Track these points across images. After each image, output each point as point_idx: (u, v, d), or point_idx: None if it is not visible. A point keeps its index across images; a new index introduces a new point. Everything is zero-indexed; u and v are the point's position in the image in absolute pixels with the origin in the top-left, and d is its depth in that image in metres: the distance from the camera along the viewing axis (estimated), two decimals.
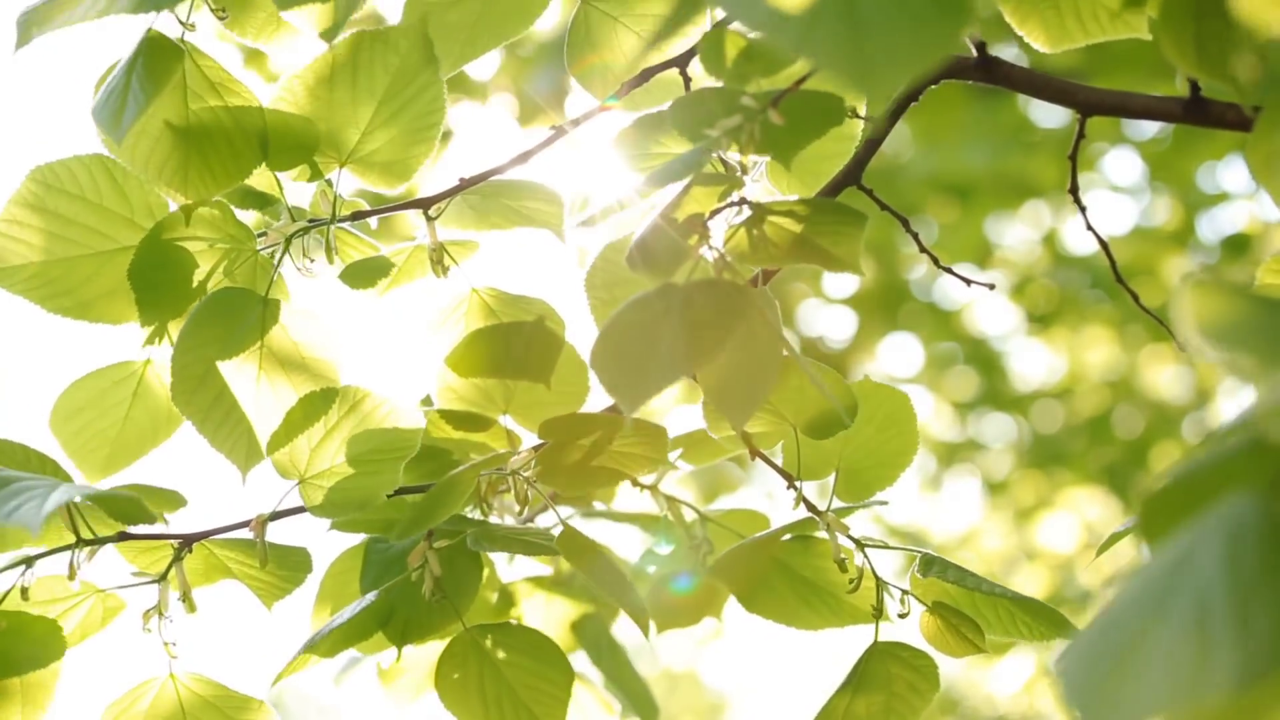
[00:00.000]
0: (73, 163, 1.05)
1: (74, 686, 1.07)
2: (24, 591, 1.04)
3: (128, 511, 1.00)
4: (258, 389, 1.05)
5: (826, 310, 4.98)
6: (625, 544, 1.40)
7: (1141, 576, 0.56)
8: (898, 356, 5.06)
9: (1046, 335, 4.89)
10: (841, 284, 4.89)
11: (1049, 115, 4.38)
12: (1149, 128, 4.26)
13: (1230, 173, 4.46)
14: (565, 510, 1.17)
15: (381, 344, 1.14)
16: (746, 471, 5.12)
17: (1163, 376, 4.90)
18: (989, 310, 4.92)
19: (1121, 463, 4.75)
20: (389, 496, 1.07)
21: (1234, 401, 4.78)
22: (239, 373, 1.04)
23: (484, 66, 4.03)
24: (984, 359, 4.93)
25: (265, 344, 1.05)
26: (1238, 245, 4.37)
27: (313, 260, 1.08)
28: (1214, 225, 4.48)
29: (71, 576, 1.05)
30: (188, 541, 1.07)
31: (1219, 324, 0.57)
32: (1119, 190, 4.57)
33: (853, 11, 0.63)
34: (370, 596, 1.05)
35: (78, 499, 0.91)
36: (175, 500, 1.10)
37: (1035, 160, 4.25)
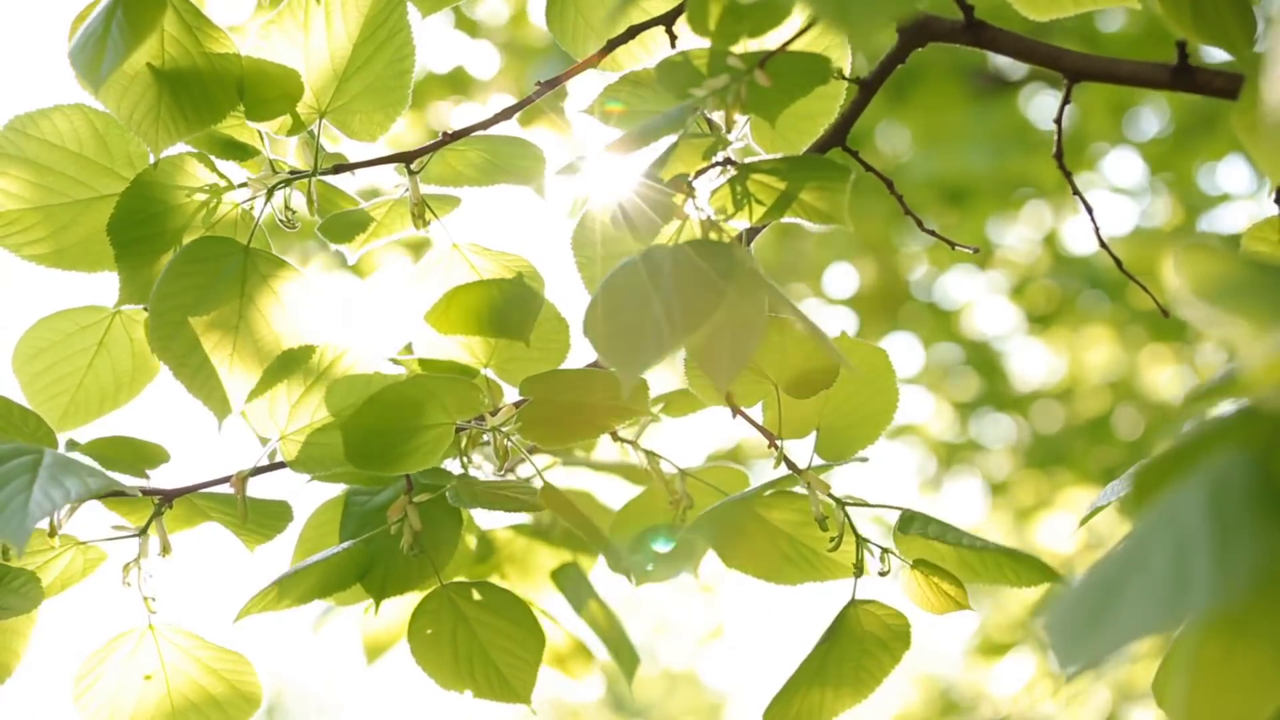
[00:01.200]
0: (53, 112, 1.05)
1: (54, 637, 1.07)
2: (4, 550, 1.03)
3: (116, 492, 1.00)
4: (235, 337, 1.05)
5: (826, 310, 4.99)
6: (607, 492, 1.41)
7: (1125, 539, 0.57)
8: (898, 357, 5.05)
9: (1047, 336, 4.88)
10: (841, 284, 4.89)
11: (1049, 116, 4.38)
12: (1149, 127, 4.26)
13: (1230, 173, 4.46)
14: (543, 460, 1.17)
15: (362, 299, 1.14)
16: (746, 470, 5.11)
17: (1163, 377, 4.89)
18: (989, 311, 4.92)
19: (1121, 463, 4.75)
20: None
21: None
22: (217, 326, 1.04)
23: (484, 67, 4.03)
24: (984, 359, 4.92)
25: (244, 294, 1.05)
26: (1238, 245, 4.36)
27: (293, 214, 1.08)
28: (1214, 226, 4.48)
29: (52, 534, 1.05)
30: (168, 497, 1.07)
31: (1212, 287, 0.57)
32: (1119, 191, 4.57)
33: None
34: (346, 544, 1.05)
35: (59, 499, 0.89)
36: (159, 455, 1.10)
37: (1035, 161, 4.25)
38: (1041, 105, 4.42)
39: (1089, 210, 1.21)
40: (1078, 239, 4.65)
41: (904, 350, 5.01)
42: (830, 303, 4.97)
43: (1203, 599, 0.49)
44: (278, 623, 1.14)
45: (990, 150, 4.19)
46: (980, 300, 4.87)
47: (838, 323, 4.97)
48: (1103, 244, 1.20)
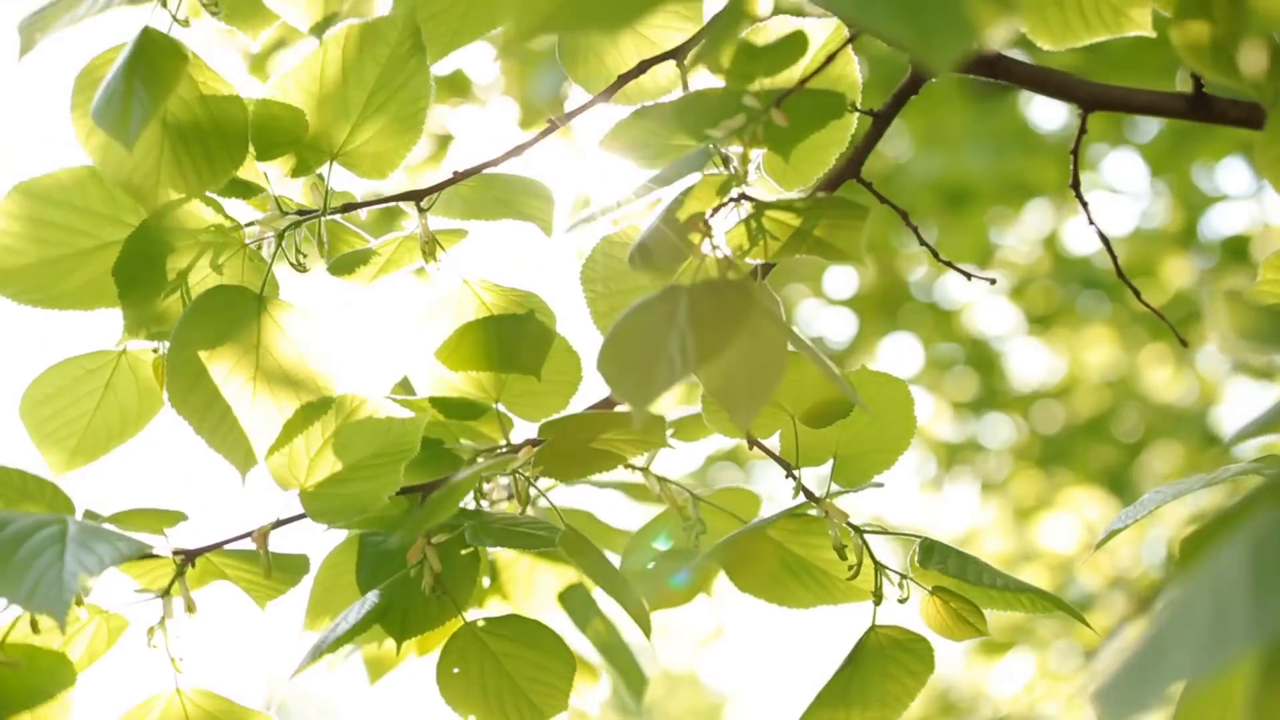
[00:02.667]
0: (60, 174, 1.05)
1: (82, 707, 1.05)
2: (34, 623, 1.02)
3: (146, 550, 0.99)
4: (254, 389, 1.04)
5: (826, 311, 4.98)
6: (610, 509, 1.41)
7: (1168, 600, 0.57)
8: (898, 357, 5.06)
9: (1046, 336, 4.88)
10: (841, 285, 4.89)
11: (1049, 117, 4.37)
12: (1150, 128, 4.25)
13: (1230, 173, 4.46)
14: (545, 481, 1.17)
15: (374, 338, 1.14)
16: (745, 471, 5.11)
17: (1162, 377, 4.89)
18: (989, 311, 4.91)
19: (1121, 463, 4.75)
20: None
21: (1237, 403, 4.78)
22: (234, 372, 1.03)
23: (484, 69, 4.02)
24: (984, 359, 4.92)
25: (261, 345, 1.04)
26: (1238, 246, 4.37)
27: (305, 256, 1.08)
28: (1214, 226, 4.48)
29: (78, 604, 1.04)
30: (191, 556, 1.06)
31: (1254, 329, 0.59)
32: (1119, 191, 4.57)
33: None
34: (372, 597, 1.05)
35: (93, 566, 0.88)
36: (176, 517, 1.09)
37: (1035, 162, 4.25)
38: (1042, 107, 4.42)
39: (1105, 240, 1.20)
40: (1078, 239, 4.66)
41: (904, 350, 5.01)
42: (830, 303, 4.97)
43: (1242, 641, 0.50)
44: (278, 623, 1.13)
45: (990, 151, 4.19)
46: (980, 300, 4.87)
47: (838, 323, 4.97)
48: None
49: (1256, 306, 0.61)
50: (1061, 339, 4.89)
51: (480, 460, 1.11)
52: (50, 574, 0.86)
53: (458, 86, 4.02)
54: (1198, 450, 4.70)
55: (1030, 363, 5.08)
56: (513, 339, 1.12)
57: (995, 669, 5.17)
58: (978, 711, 5.30)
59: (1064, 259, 4.65)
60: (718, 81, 1.09)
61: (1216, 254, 4.45)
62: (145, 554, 0.98)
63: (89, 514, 1.03)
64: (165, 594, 1.04)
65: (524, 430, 1.16)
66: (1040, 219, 4.65)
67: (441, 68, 4.06)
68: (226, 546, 1.05)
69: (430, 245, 1.11)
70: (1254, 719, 0.52)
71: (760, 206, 1.02)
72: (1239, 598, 0.51)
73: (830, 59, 1.01)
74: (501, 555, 1.38)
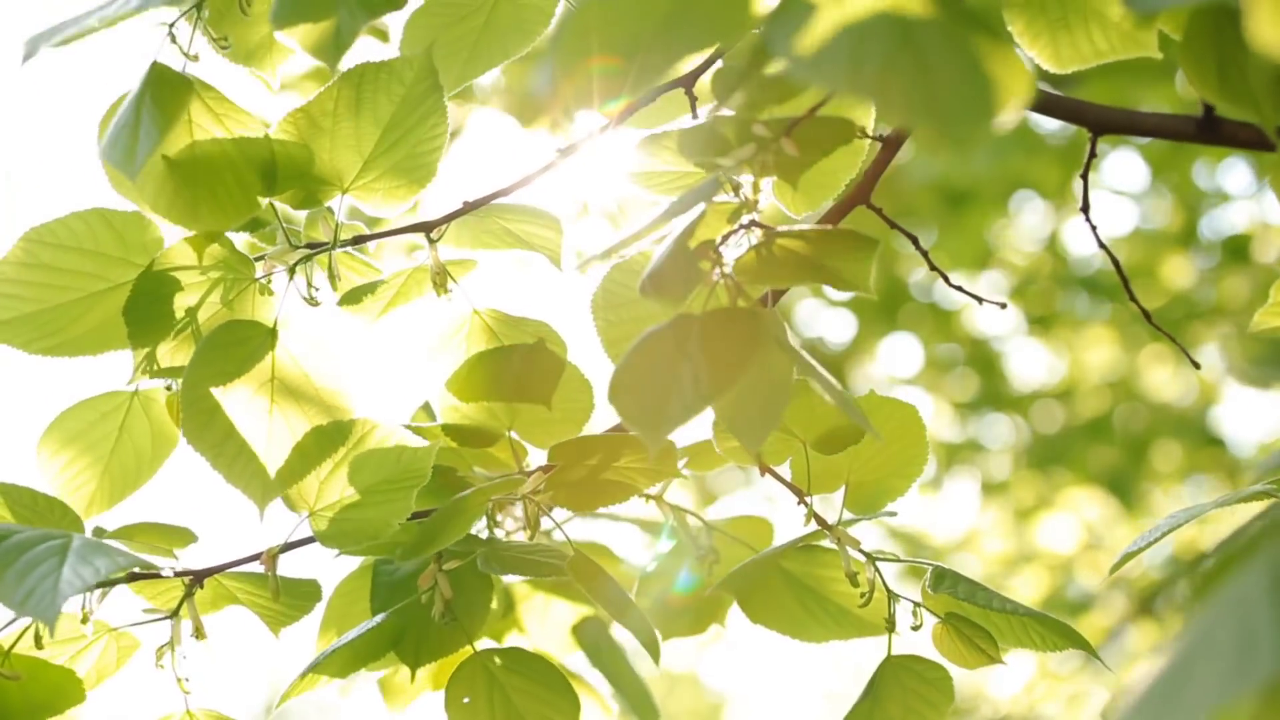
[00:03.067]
0: (70, 219, 1.05)
1: None
2: (38, 637, 1.02)
3: (146, 569, 0.99)
4: (270, 422, 1.04)
5: (826, 312, 4.98)
6: (625, 542, 1.41)
7: (1187, 630, 0.57)
8: (897, 358, 5.05)
9: (1046, 336, 4.88)
10: None
11: (1049, 118, 4.36)
12: None
13: (1231, 173, 4.46)
14: (562, 513, 1.17)
15: (385, 369, 1.13)
16: (745, 473, 5.11)
17: (1163, 377, 4.89)
18: (989, 312, 4.92)
19: (1121, 463, 4.75)
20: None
21: (1236, 402, 4.78)
22: (250, 406, 1.03)
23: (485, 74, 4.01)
24: (984, 360, 4.92)
25: (275, 375, 1.04)
26: (1238, 246, 4.37)
27: (317, 289, 1.07)
28: (1214, 226, 4.48)
29: (85, 621, 1.04)
30: (199, 578, 1.06)
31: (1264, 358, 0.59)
32: (1120, 192, 4.57)
33: (919, 60, 0.63)
34: (379, 617, 1.05)
35: (90, 577, 0.88)
36: (186, 536, 1.09)
37: (1036, 163, 4.24)
38: None
39: (1115, 261, 1.20)
40: (1078, 240, 4.66)
41: (904, 351, 5.01)
42: (830, 304, 4.96)
43: (1268, 665, 0.50)
44: (287, 646, 1.13)
45: (991, 151, 4.18)
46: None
47: (837, 324, 4.97)
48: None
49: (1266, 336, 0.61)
50: (1061, 339, 4.89)
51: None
52: (46, 582, 0.87)
53: (460, 91, 4.02)
54: (1198, 450, 4.70)
55: (1030, 363, 5.08)
56: (524, 369, 1.11)
57: (995, 669, 5.18)
58: (978, 711, 5.30)
59: (1064, 260, 4.65)
60: (728, 110, 1.09)
61: (1217, 254, 4.45)
62: (144, 567, 0.98)
63: (97, 530, 1.03)
64: (174, 615, 1.04)
65: (538, 459, 1.16)
66: (1040, 220, 4.65)
67: None
68: (236, 569, 1.05)
69: (441, 276, 1.11)
70: None
71: (771, 235, 1.02)
72: (1262, 621, 0.52)
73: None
74: (518, 589, 1.38)
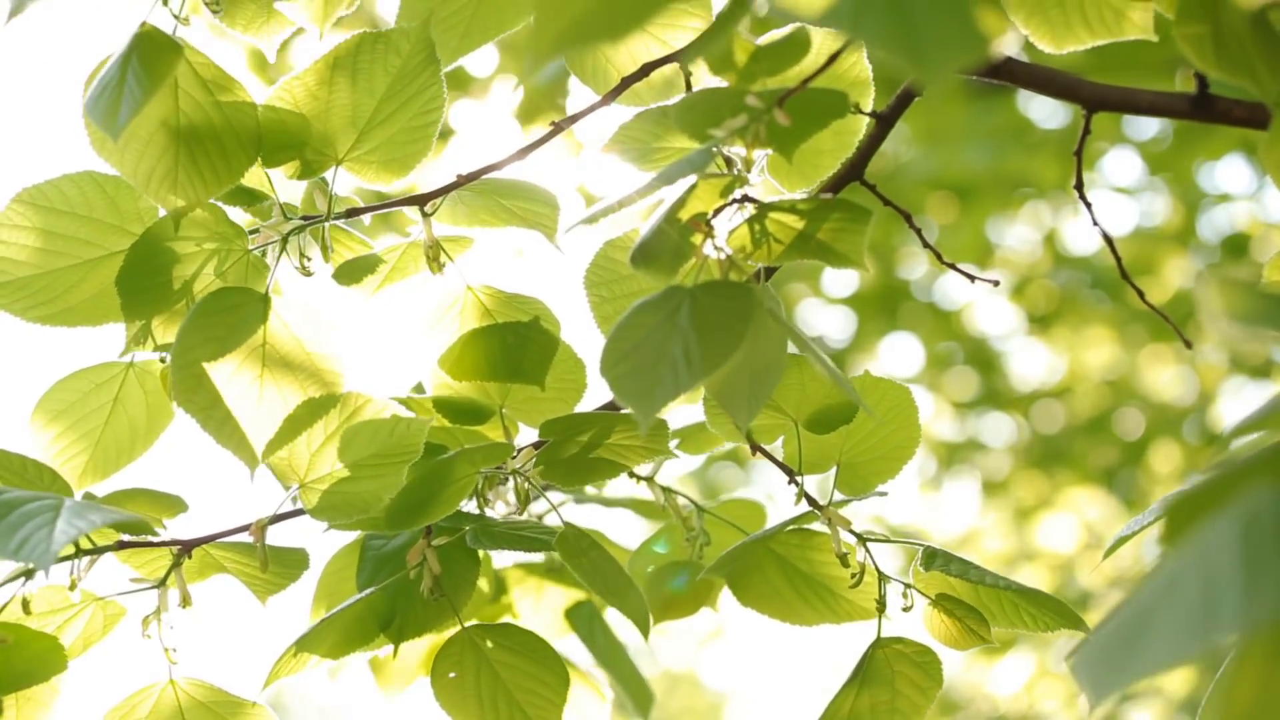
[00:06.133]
0: (61, 181, 1.04)
1: (74, 693, 1.05)
2: (25, 604, 1.02)
3: (134, 529, 0.99)
4: (260, 388, 1.03)
5: (826, 310, 4.98)
6: (619, 527, 1.40)
7: (1152, 575, 0.57)
8: (898, 356, 5.05)
9: (1047, 335, 4.88)
10: (841, 284, 4.89)
11: (1049, 116, 4.37)
12: (1149, 128, 4.25)
13: (1230, 172, 4.46)
14: (557, 496, 1.16)
15: (378, 344, 1.13)
16: (745, 471, 5.11)
17: (1163, 376, 4.89)
18: (989, 310, 4.91)
19: (1121, 463, 4.75)
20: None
21: (1236, 402, 4.77)
22: (240, 374, 1.03)
23: (484, 64, 4.01)
24: (984, 359, 4.92)
25: (267, 343, 1.03)
26: (1238, 245, 4.37)
27: (309, 259, 1.07)
28: (1214, 225, 4.48)
29: (72, 588, 1.04)
30: (187, 547, 1.06)
31: (1244, 310, 0.60)
32: (1119, 190, 4.57)
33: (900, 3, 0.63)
34: (367, 591, 1.04)
35: (84, 527, 0.89)
36: (177, 505, 1.09)
37: (1035, 160, 4.24)
38: (1041, 105, 4.41)
39: (1108, 240, 1.20)
40: (1078, 238, 4.65)
41: (904, 350, 5.01)
42: (830, 302, 4.96)
43: (1232, 625, 0.50)
44: (277, 623, 1.13)
45: (990, 149, 4.18)
46: (980, 300, 4.87)
47: (837, 322, 4.97)
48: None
49: (1248, 289, 0.61)
50: (1061, 339, 4.88)
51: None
52: (41, 531, 0.87)
53: (458, 81, 4.02)
54: (1198, 450, 4.70)
55: (1030, 362, 5.08)
56: (516, 347, 1.11)
57: (994, 668, 5.17)
58: (977, 710, 5.30)
59: (1064, 258, 4.65)
60: (721, 82, 1.09)
61: (1216, 253, 4.45)
62: (135, 532, 0.98)
63: (87, 495, 1.03)
64: (161, 584, 1.04)
65: (530, 439, 1.15)
66: (1040, 217, 4.65)
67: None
68: (226, 540, 1.05)
69: (435, 250, 1.10)
70: (1226, 702, 0.52)
71: (763, 208, 1.01)
72: (1229, 580, 0.51)
73: (833, 58, 1.00)
74: (511, 573, 1.38)
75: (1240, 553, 0.52)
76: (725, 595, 1.29)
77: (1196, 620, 0.51)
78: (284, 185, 1.09)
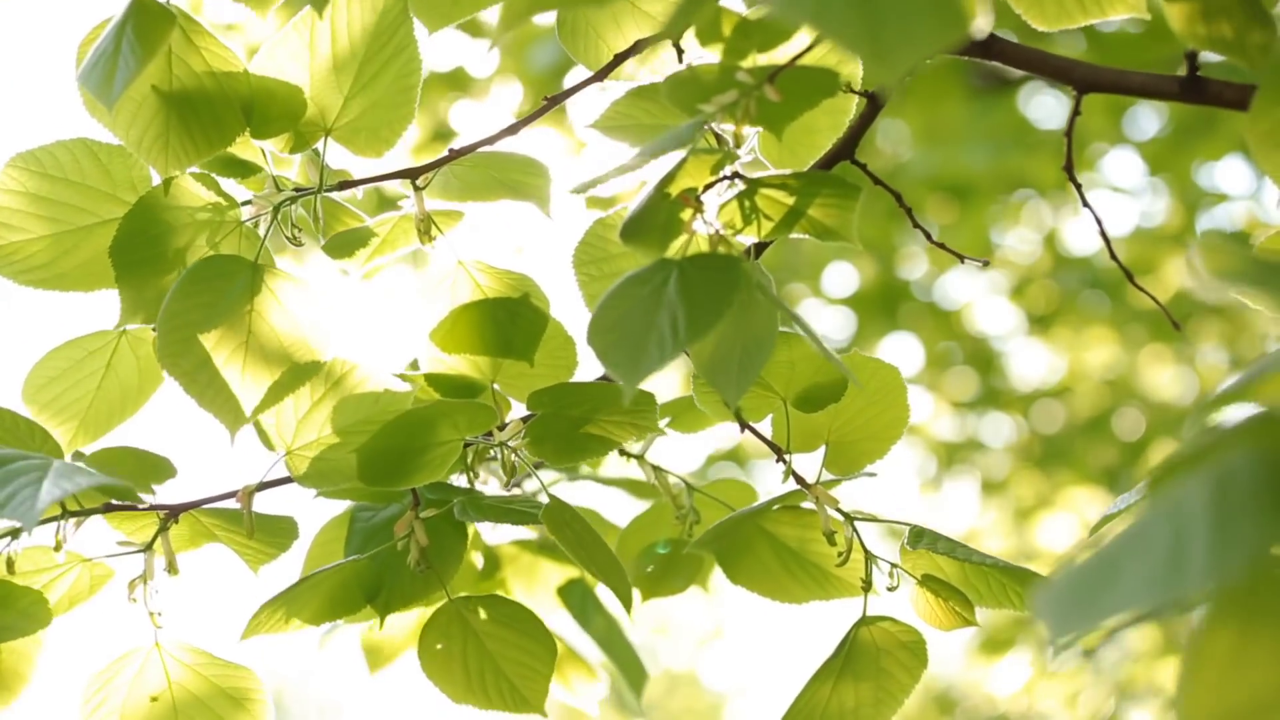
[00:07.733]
0: (54, 147, 1.05)
1: (60, 655, 1.06)
2: (9, 563, 1.03)
3: (121, 494, 1.00)
4: (246, 359, 1.04)
5: (826, 310, 4.98)
6: (614, 509, 1.41)
7: (1125, 528, 0.57)
8: (898, 356, 5.05)
9: (1046, 335, 4.88)
10: (841, 284, 4.89)
11: (1049, 115, 4.37)
12: (1149, 127, 4.26)
13: (1230, 172, 4.46)
14: (549, 475, 1.16)
15: (371, 316, 1.14)
16: (745, 471, 5.11)
17: (1163, 376, 4.89)
18: (989, 310, 4.92)
19: (1121, 463, 4.75)
20: None
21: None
22: (227, 341, 1.04)
23: (484, 63, 4.02)
24: (984, 359, 4.92)
25: (254, 310, 1.04)
26: (1245, 244, 4.37)
27: (300, 231, 1.08)
28: (1214, 225, 4.48)
29: (58, 548, 1.05)
30: (174, 512, 1.07)
31: (1229, 270, 0.60)
32: (1119, 190, 4.57)
33: None
34: (352, 558, 1.05)
35: (70, 488, 0.90)
36: (165, 468, 1.10)
37: (1035, 160, 4.25)
38: (1041, 104, 4.42)
39: (1098, 220, 1.20)
40: (1078, 238, 4.66)
41: (904, 349, 5.01)
42: (830, 302, 4.96)
43: (1198, 578, 0.50)
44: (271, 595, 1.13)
45: (990, 149, 4.19)
46: (980, 300, 4.87)
47: (837, 322, 4.97)
48: (1112, 255, 1.20)
49: (1239, 252, 0.62)
50: (1061, 338, 4.89)
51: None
52: (27, 490, 0.88)
53: (458, 82, 4.03)
54: None
55: (1030, 362, 5.08)
56: (507, 323, 1.12)
57: (994, 668, 5.17)
58: (977, 710, 5.30)
59: (1064, 257, 4.65)
60: (712, 55, 1.09)
61: None
62: (122, 496, 0.98)
63: (77, 454, 1.04)
64: (147, 549, 1.04)
65: (520, 413, 1.16)
66: (1040, 217, 4.65)
67: (442, 64, 4.07)
68: (214, 506, 1.06)
69: (426, 224, 1.11)
70: (1195, 656, 0.52)
71: (753, 184, 1.02)
72: (1198, 533, 0.52)
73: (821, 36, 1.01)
74: (505, 550, 1.38)
75: (1211, 508, 0.53)
76: (718, 586, 1.29)
77: (1164, 569, 0.52)
78: (278, 164, 1.10)
